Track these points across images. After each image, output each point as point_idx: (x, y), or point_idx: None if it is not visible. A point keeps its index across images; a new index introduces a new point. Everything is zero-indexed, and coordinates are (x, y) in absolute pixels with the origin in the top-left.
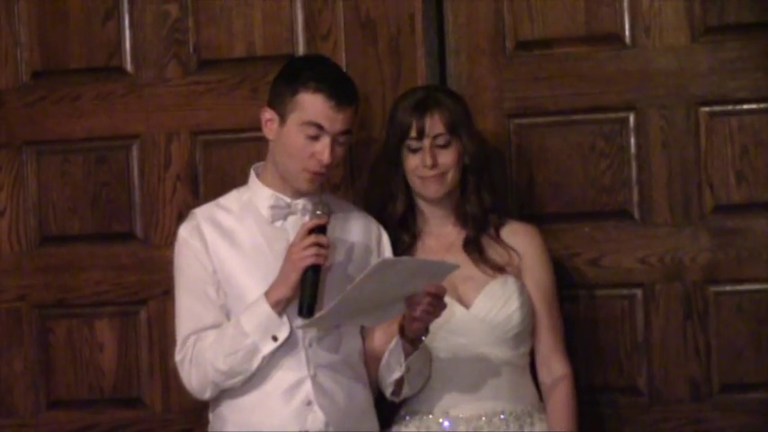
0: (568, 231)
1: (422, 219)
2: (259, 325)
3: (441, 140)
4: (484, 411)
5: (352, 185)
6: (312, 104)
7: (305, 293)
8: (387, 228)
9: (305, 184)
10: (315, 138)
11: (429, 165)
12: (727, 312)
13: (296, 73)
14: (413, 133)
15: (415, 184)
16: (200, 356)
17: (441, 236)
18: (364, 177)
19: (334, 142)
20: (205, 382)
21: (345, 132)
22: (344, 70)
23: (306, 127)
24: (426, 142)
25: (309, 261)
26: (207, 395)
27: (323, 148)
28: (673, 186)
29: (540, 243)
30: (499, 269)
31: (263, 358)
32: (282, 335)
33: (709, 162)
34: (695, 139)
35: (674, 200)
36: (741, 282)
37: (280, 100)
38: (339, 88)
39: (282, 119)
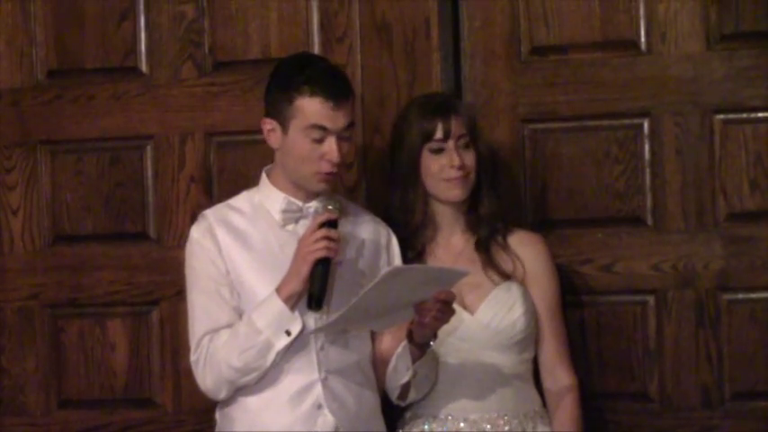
0: (581, 237)
1: (432, 228)
2: (272, 320)
3: (463, 141)
4: (488, 415)
5: (365, 189)
6: (311, 108)
7: (314, 286)
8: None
9: (319, 185)
10: (320, 140)
11: (457, 165)
12: (740, 320)
13: (287, 79)
14: (438, 134)
15: (439, 187)
16: (215, 355)
17: (449, 245)
18: (377, 181)
19: (339, 139)
20: (220, 381)
21: (348, 126)
22: (359, 73)
23: (309, 131)
24: (451, 143)
25: (320, 254)
26: (222, 395)
27: (330, 148)
28: (686, 193)
29: (546, 253)
30: (505, 276)
31: (278, 353)
32: (295, 329)
33: (722, 169)
34: (709, 147)
35: (687, 207)
36: (754, 289)
37: (278, 109)
38: (334, 86)
39: (284, 127)
